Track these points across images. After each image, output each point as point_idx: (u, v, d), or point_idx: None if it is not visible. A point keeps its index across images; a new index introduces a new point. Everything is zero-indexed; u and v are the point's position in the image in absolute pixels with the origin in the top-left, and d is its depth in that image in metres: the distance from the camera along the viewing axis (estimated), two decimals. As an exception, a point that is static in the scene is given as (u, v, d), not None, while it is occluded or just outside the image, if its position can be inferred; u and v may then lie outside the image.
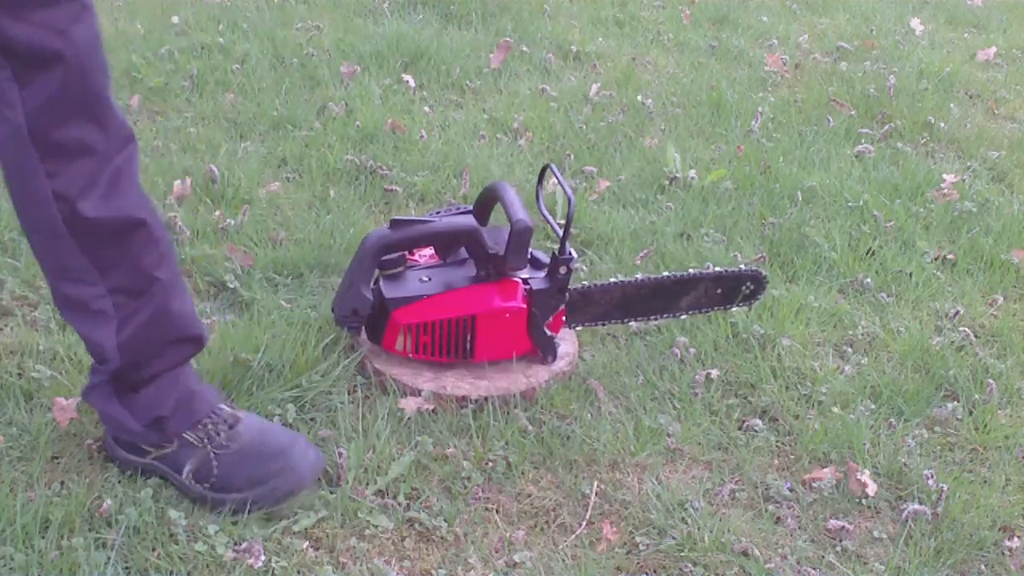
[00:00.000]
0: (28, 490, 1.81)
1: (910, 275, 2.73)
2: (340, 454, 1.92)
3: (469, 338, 2.14)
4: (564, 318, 2.22)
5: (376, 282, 2.17)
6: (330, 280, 2.49)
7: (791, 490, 2.01)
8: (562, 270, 2.14)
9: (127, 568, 1.70)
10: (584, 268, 2.65)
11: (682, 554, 1.85)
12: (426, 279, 2.16)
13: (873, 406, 2.24)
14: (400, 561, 1.80)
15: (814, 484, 2.02)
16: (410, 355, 2.15)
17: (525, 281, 2.17)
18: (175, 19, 4.06)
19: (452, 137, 3.28)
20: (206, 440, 1.81)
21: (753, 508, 1.98)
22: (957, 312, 2.59)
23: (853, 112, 3.76)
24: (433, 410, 2.09)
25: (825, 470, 2.05)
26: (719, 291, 2.34)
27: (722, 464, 2.07)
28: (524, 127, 3.40)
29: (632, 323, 2.36)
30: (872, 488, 2.01)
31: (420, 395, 2.10)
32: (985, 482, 2.08)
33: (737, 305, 2.38)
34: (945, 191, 3.17)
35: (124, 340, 1.73)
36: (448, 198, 2.95)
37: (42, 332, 2.23)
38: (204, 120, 3.31)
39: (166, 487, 1.84)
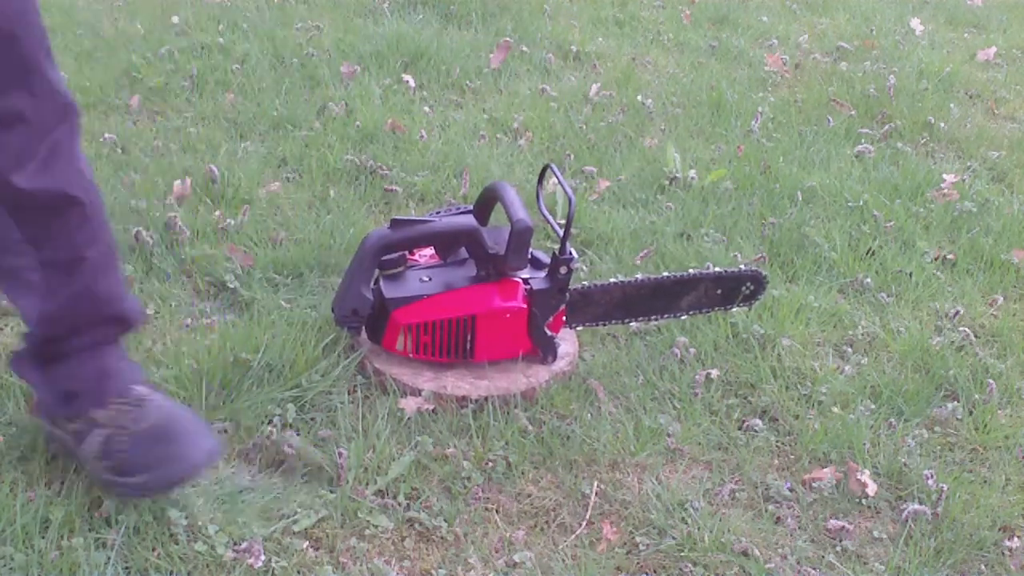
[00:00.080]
0: (28, 490, 1.81)
1: (910, 275, 2.73)
2: (340, 454, 1.92)
3: (469, 338, 2.14)
4: (564, 318, 2.22)
5: (376, 282, 2.17)
6: (330, 280, 2.49)
7: (791, 490, 2.01)
8: (562, 270, 2.14)
9: (127, 568, 1.70)
10: (584, 268, 2.65)
11: (682, 554, 1.85)
12: (426, 279, 2.16)
13: (873, 406, 2.24)
14: (400, 561, 1.80)
15: (814, 484, 2.02)
16: (410, 355, 2.15)
17: (525, 281, 2.17)
18: (175, 19, 4.06)
19: (452, 137, 3.28)
20: (110, 420, 1.78)
21: (753, 508, 1.98)
22: (957, 312, 2.59)
23: (853, 112, 3.76)
24: (433, 410, 2.09)
25: (825, 470, 2.05)
26: (719, 291, 2.34)
27: (722, 464, 2.08)
28: (524, 127, 3.40)
29: (632, 323, 2.36)
30: (872, 488, 2.01)
31: (420, 395, 2.10)
32: (985, 482, 2.08)
33: (737, 305, 2.38)
34: (945, 191, 3.17)
35: (48, 313, 1.72)
36: (448, 198, 2.95)
37: (42, 332, 2.23)
38: (204, 120, 3.31)
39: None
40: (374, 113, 3.35)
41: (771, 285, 2.54)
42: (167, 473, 1.76)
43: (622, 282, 2.26)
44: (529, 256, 2.16)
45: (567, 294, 2.18)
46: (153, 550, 1.72)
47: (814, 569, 1.85)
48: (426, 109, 3.50)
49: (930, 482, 2.01)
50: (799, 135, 3.52)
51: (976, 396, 2.30)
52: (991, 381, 2.32)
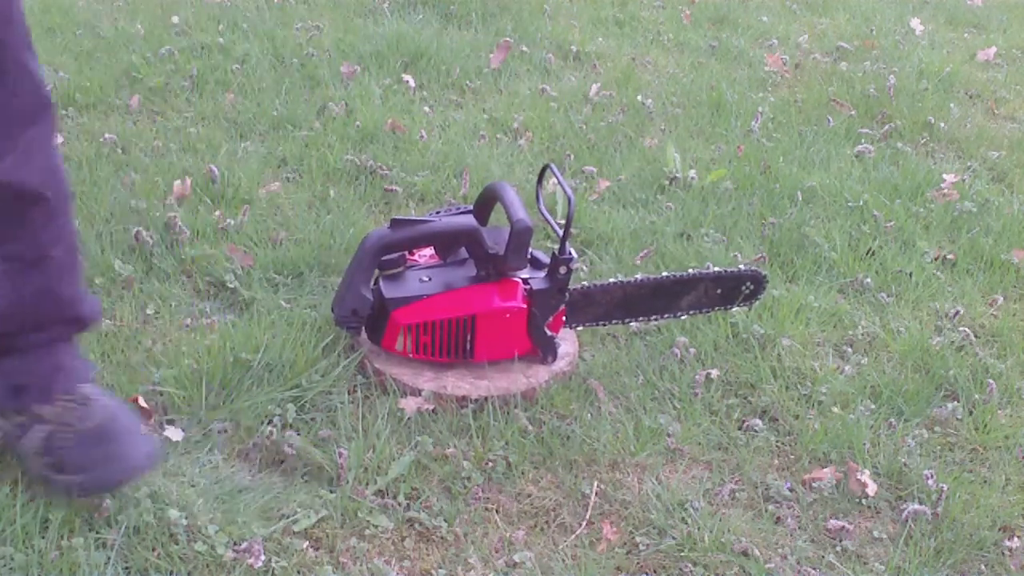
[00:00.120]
0: (28, 490, 1.81)
1: (910, 275, 2.73)
2: (340, 454, 1.93)
3: (469, 338, 2.14)
4: (564, 318, 2.22)
5: (376, 282, 2.17)
6: (330, 280, 2.49)
7: (791, 490, 2.01)
8: (562, 270, 2.14)
9: (127, 568, 1.70)
10: (584, 268, 2.65)
11: (682, 554, 1.85)
12: (426, 279, 2.16)
13: (873, 406, 2.24)
14: (400, 561, 1.80)
15: (814, 484, 2.02)
16: (410, 355, 2.15)
17: (525, 281, 2.17)
18: (175, 19, 4.06)
19: (452, 137, 3.28)
20: (55, 417, 1.77)
21: (753, 508, 1.98)
22: (957, 312, 2.59)
23: (853, 112, 3.76)
24: (433, 410, 2.09)
25: (825, 470, 2.05)
26: (719, 291, 2.34)
27: (722, 464, 2.08)
28: (524, 127, 3.40)
29: (632, 323, 2.36)
30: (872, 488, 2.01)
31: (420, 395, 2.10)
32: (985, 482, 2.08)
33: (737, 305, 2.38)
34: (945, 191, 3.17)
35: (8, 308, 1.72)
36: (448, 198, 2.95)
37: (42, 332, 2.23)
38: (204, 120, 3.31)
39: (166, 487, 1.84)
40: (374, 113, 3.35)
41: (771, 285, 2.54)
42: (106, 474, 1.76)
43: (622, 282, 2.26)
44: (529, 256, 2.16)
45: (567, 294, 2.18)
46: (153, 550, 1.72)
47: (814, 569, 1.85)
48: (426, 109, 3.50)
49: (930, 482, 2.01)
50: (799, 135, 3.52)
51: (976, 396, 2.30)
52: (991, 381, 2.32)
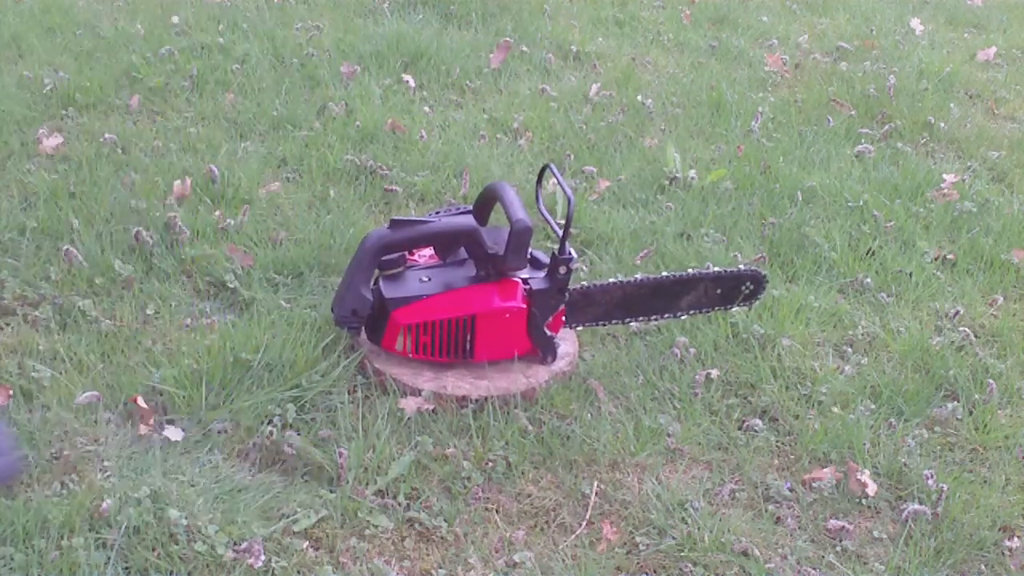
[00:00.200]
0: (28, 490, 1.81)
1: (910, 275, 2.73)
2: (340, 454, 1.93)
3: (469, 338, 2.14)
4: (564, 318, 2.22)
5: (376, 282, 2.17)
6: (330, 280, 2.49)
7: (791, 490, 2.01)
8: (562, 270, 2.14)
9: (127, 568, 1.70)
10: (584, 268, 2.65)
11: (682, 554, 1.85)
12: (426, 279, 2.16)
13: (873, 406, 2.24)
14: (400, 561, 1.80)
15: (814, 484, 2.02)
16: (410, 355, 2.15)
17: (525, 281, 2.17)
18: (175, 19, 4.06)
19: (452, 137, 3.28)
20: None
21: (753, 508, 1.98)
22: (957, 312, 2.59)
23: (853, 112, 3.75)
24: (433, 410, 2.09)
25: (825, 470, 2.05)
26: (719, 291, 2.34)
27: (722, 464, 2.07)
28: (524, 127, 3.40)
29: (632, 323, 2.36)
30: (872, 488, 2.01)
31: (420, 395, 2.10)
32: (985, 482, 2.08)
33: (737, 305, 2.38)
34: (945, 191, 3.17)
35: None
36: (448, 198, 2.94)
37: (42, 332, 2.23)
38: (204, 120, 3.31)
39: (166, 487, 1.84)
40: (374, 113, 3.35)
41: (771, 285, 2.54)
42: None
43: (622, 282, 2.26)
44: (529, 256, 2.16)
45: (567, 294, 2.18)
46: (153, 550, 1.72)
47: (814, 569, 1.85)
48: (426, 109, 3.50)
49: (930, 482, 2.01)
50: (799, 135, 3.52)
51: (976, 396, 2.30)
52: (991, 381, 2.32)
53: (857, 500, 2.01)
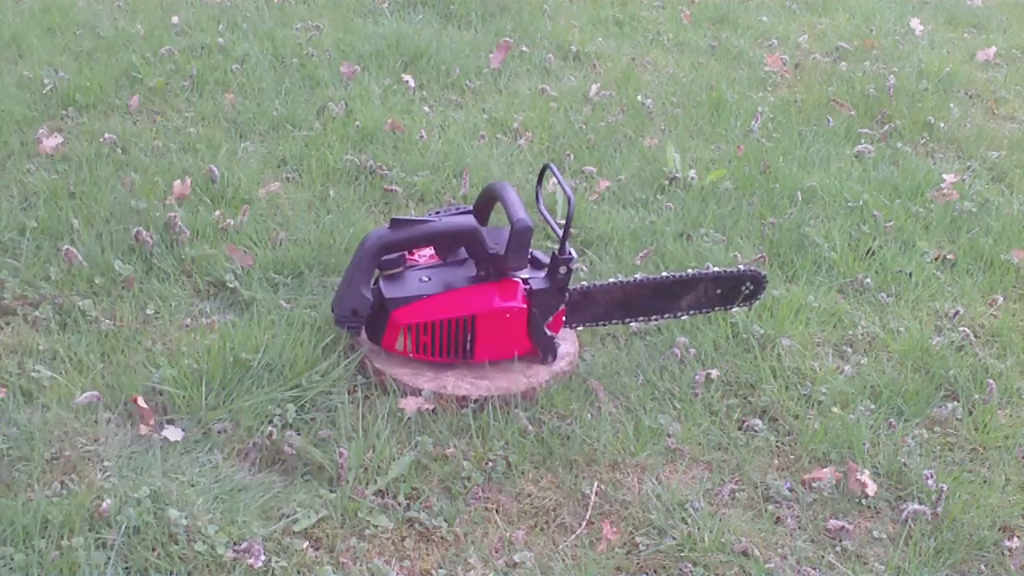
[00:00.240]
0: (28, 490, 1.81)
1: (910, 275, 2.73)
2: (340, 454, 1.92)
3: (469, 338, 2.14)
4: (564, 318, 2.22)
5: (376, 282, 2.17)
6: (330, 280, 2.49)
7: (791, 490, 2.01)
8: (562, 270, 2.14)
9: (127, 568, 1.70)
10: (584, 268, 2.65)
11: (682, 554, 1.85)
12: (426, 279, 2.16)
13: (873, 406, 2.24)
14: (400, 561, 1.80)
15: (814, 484, 2.02)
16: (410, 355, 2.15)
17: (525, 281, 2.17)
18: (175, 19, 4.06)
19: (452, 137, 3.28)
20: None
21: (753, 508, 1.98)
22: (957, 312, 2.59)
23: (853, 112, 3.75)
24: (433, 410, 2.09)
25: (825, 470, 2.05)
26: (719, 291, 2.34)
27: (722, 464, 2.07)
28: (524, 127, 3.40)
29: (632, 323, 2.36)
30: (872, 488, 2.01)
31: (420, 395, 2.10)
32: (985, 482, 2.08)
33: (737, 305, 2.38)
34: (945, 191, 3.17)
35: None
36: (448, 198, 2.94)
37: (42, 332, 2.23)
38: (204, 120, 3.31)
39: (166, 487, 1.83)
40: (374, 113, 3.35)
41: (771, 285, 2.54)
42: None
43: (622, 282, 2.26)
44: (529, 256, 2.16)
45: (567, 294, 2.18)
46: (153, 550, 1.72)
47: (814, 569, 1.85)
48: (426, 109, 3.50)
49: (930, 482, 2.01)
50: (799, 135, 3.52)
51: (976, 396, 2.30)
52: (991, 381, 2.32)
53: (857, 500, 2.01)
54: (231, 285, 2.43)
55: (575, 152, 3.26)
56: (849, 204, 3.05)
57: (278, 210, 2.80)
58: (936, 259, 2.84)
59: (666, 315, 2.34)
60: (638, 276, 2.29)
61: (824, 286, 2.66)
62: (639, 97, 3.71)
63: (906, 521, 1.96)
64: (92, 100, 3.34)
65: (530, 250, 2.16)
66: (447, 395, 2.11)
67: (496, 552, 1.83)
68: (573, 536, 1.88)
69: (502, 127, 3.42)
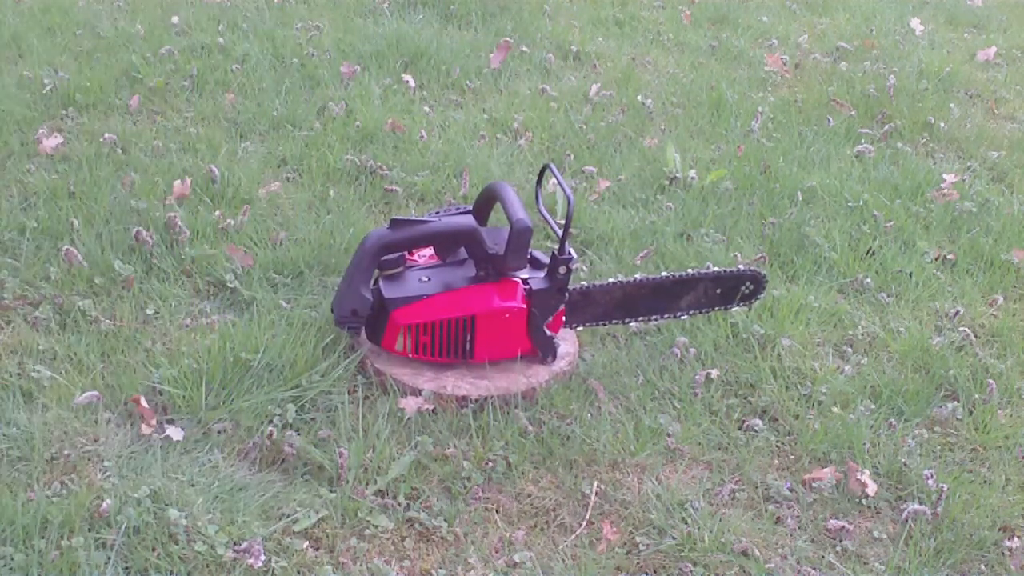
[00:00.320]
0: (28, 490, 1.81)
1: (910, 275, 2.73)
2: (340, 454, 1.92)
3: (469, 338, 2.14)
4: (564, 318, 2.22)
5: (376, 282, 2.17)
6: (330, 280, 2.49)
7: (791, 490, 2.01)
8: (562, 270, 2.14)
9: (127, 568, 1.70)
10: (584, 268, 2.65)
11: (682, 554, 1.85)
12: (426, 279, 2.16)
13: (873, 406, 2.24)
14: (400, 561, 1.80)
15: (814, 484, 2.02)
16: (410, 355, 2.15)
17: (525, 281, 2.17)
18: (175, 19, 4.06)
19: (452, 137, 3.28)
20: None
21: (753, 508, 1.98)
22: (957, 312, 2.59)
23: (853, 112, 3.75)
24: (433, 410, 2.09)
25: (825, 470, 2.05)
26: (719, 291, 2.34)
27: (722, 464, 2.07)
28: (524, 127, 3.40)
29: (632, 323, 2.36)
30: (872, 488, 2.01)
31: (420, 395, 2.10)
32: (985, 482, 2.08)
33: (737, 305, 2.38)
34: (945, 191, 3.17)
35: None
36: (448, 198, 2.94)
37: (42, 332, 2.23)
38: (204, 120, 3.31)
39: (166, 487, 1.83)
40: (374, 113, 3.35)
41: (771, 285, 2.54)
42: None
43: (622, 282, 2.26)
44: (528, 256, 2.16)
45: (566, 294, 2.18)
46: (153, 550, 1.72)
47: (814, 569, 1.85)
48: (426, 109, 3.50)
49: (930, 482, 2.01)
50: (799, 135, 3.52)
51: (976, 396, 2.29)
52: (991, 381, 2.32)
53: (857, 500, 2.01)
54: (231, 285, 2.43)
55: (575, 152, 3.26)
56: (849, 204, 3.05)
57: (278, 210, 2.80)
58: (936, 259, 2.84)
59: (666, 315, 2.34)
60: (638, 276, 2.28)
61: (824, 286, 2.66)
62: (639, 97, 3.71)
63: (906, 521, 1.96)
64: (92, 100, 3.34)
65: (530, 250, 2.16)
66: (447, 395, 2.11)
67: (496, 552, 1.83)
68: (573, 536, 1.88)
69: (502, 127, 3.42)
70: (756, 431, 2.15)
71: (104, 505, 1.76)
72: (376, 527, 1.84)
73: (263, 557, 1.72)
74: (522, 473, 2.00)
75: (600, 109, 3.61)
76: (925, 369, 2.39)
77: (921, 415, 2.24)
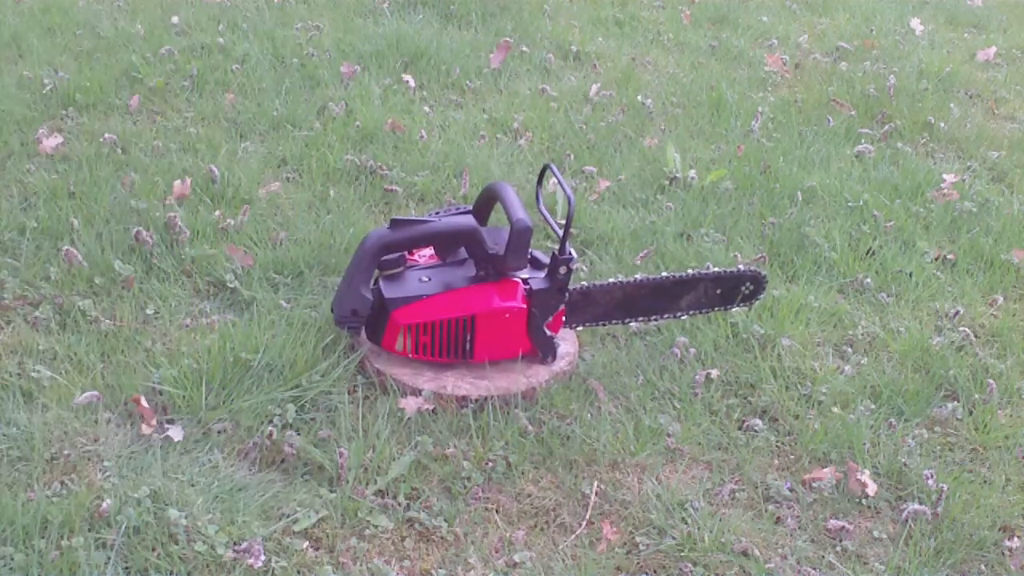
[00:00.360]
0: (28, 490, 1.81)
1: (910, 275, 2.73)
2: (340, 454, 1.92)
3: (469, 338, 2.14)
4: (564, 318, 2.22)
5: (376, 282, 2.17)
6: (330, 280, 2.49)
7: (791, 490, 2.01)
8: (562, 270, 2.14)
9: (127, 568, 1.70)
10: (584, 268, 2.65)
11: (682, 554, 1.85)
12: (426, 279, 2.16)
13: (873, 406, 2.24)
14: (400, 561, 1.80)
15: (814, 484, 2.02)
16: (410, 355, 2.15)
17: (525, 281, 2.17)
18: (175, 19, 4.06)
19: (452, 137, 3.28)
20: None
21: (753, 508, 1.98)
22: (957, 312, 2.59)
23: (853, 112, 3.75)
24: (433, 410, 2.09)
25: (825, 470, 2.05)
26: (719, 291, 2.34)
27: (722, 464, 2.07)
28: (524, 127, 3.40)
29: (632, 323, 2.36)
30: (872, 488, 2.01)
31: (420, 395, 2.10)
32: (985, 482, 2.08)
33: (737, 305, 2.38)
34: (945, 191, 3.17)
35: None
36: (448, 198, 2.94)
37: (42, 332, 2.23)
38: (204, 120, 3.31)
39: (166, 487, 1.83)
40: (374, 113, 3.35)
41: (771, 285, 2.54)
42: None
43: (622, 282, 2.26)
44: (529, 256, 2.16)
45: (566, 294, 2.18)
46: (153, 550, 1.72)
47: (814, 569, 1.85)
48: (426, 109, 3.50)
49: (930, 482, 2.01)
50: (799, 135, 3.52)
51: (976, 396, 2.29)
52: (991, 381, 2.32)
53: (857, 500, 2.01)
54: (231, 285, 2.43)
55: (575, 152, 3.26)
56: (849, 204, 3.05)
57: (278, 210, 2.80)
58: (936, 259, 2.84)
59: (666, 315, 2.34)
60: (638, 276, 2.29)
61: (824, 286, 2.66)
62: (639, 97, 3.71)
63: (906, 521, 1.96)
64: (92, 100, 3.34)
65: (530, 250, 2.16)
66: (447, 395, 2.11)
67: (496, 552, 1.83)
68: (573, 536, 1.88)
69: (502, 127, 3.42)
70: (756, 431, 2.15)
71: (104, 505, 1.76)
72: (376, 527, 1.84)
73: (263, 557, 1.72)
74: (522, 473, 2.00)
75: (600, 109, 3.61)
76: (925, 369, 2.39)
77: (921, 415, 2.24)
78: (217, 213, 2.71)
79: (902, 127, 3.68)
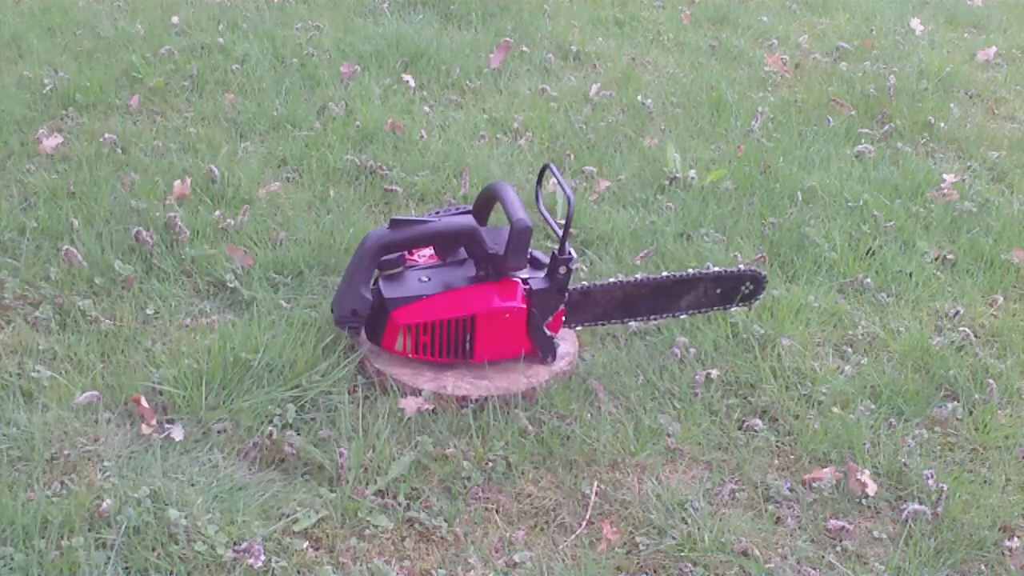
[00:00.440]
0: (28, 490, 1.81)
1: (910, 275, 2.73)
2: (340, 454, 1.92)
3: (469, 338, 2.14)
4: (564, 318, 2.22)
5: (376, 282, 2.17)
6: (330, 280, 2.49)
7: (791, 490, 2.01)
8: (562, 270, 2.14)
9: (127, 568, 1.70)
10: (584, 268, 2.65)
11: (682, 554, 1.85)
12: (426, 279, 2.16)
13: (873, 406, 2.24)
14: (400, 561, 1.80)
15: (814, 484, 2.02)
16: (410, 355, 2.15)
17: (525, 281, 2.17)
18: (175, 19, 4.06)
19: (452, 137, 3.28)
20: None
21: (753, 508, 1.98)
22: (957, 312, 2.59)
23: (853, 112, 3.75)
24: (433, 410, 2.09)
25: (825, 470, 2.05)
26: (719, 291, 2.34)
27: (722, 464, 2.07)
28: (524, 127, 3.40)
29: (632, 323, 2.36)
30: (872, 488, 2.01)
31: (420, 395, 2.10)
32: (985, 482, 2.08)
33: (737, 305, 2.38)
34: (945, 191, 3.17)
35: None
36: (448, 198, 2.94)
37: (42, 332, 2.23)
38: (204, 120, 3.31)
39: (166, 487, 1.83)
40: (374, 113, 3.35)
41: (771, 285, 2.54)
42: None
43: (622, 282, 2.26)
44: (528, 256, 2.16)
45: (566, 294, 2.18)
46: (153, 550, 1.72)
47: (814, 569, 1.85)
48: (426, 109, 3.50)
49: (930, 482, 2.01)
50: (799, 135, 3.52)
51: (976, 396, 2.29)
52: (991, 381, 2.32)
53: (857, 500, 2.01)
54: (231, 285, 2.43)
55: (575, 152, 3.26)
56: (849, 204, 3.05)
57: (278, 210, 2.80)
58: (936, 259, 2.84)
59: (666, 315, 2.34)
60: (638, 276, 2.29)
61: (824, 286, 2.66)
62: (639, 97, 3.71)
63: (906, 521, 1.96)
64: (92, 100, 3.34)
65: (530, 250, 2.16)
66: (447, 395, 2.11)
67: (496, 552, 1.83)
68: (573, 536, 1.88)
69: (502, 127, 3.42)
70: (756, 431, 2.15)
71: (104, 505, 1.76)
72: (376, 527, 1.84)
73: (263, 557, 1.72)
74: (522, 473, 2.00)
75: (600, 109, 3.61)
76: (925, 369, 2.39)
77: (921, 415, 2.24)
78: (217, 213, 2.71)
79: (902, 127, 3.68)
